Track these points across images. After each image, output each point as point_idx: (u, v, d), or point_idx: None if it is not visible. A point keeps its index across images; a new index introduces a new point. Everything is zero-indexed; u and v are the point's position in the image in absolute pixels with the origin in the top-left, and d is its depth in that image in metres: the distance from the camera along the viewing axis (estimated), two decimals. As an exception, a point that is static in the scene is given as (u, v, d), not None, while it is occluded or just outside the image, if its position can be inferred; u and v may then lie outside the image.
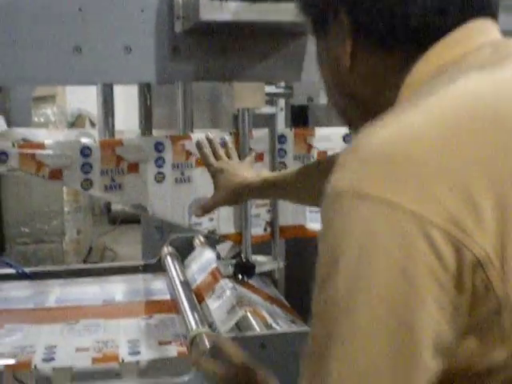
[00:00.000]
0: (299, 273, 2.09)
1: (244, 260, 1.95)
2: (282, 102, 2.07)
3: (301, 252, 2.21)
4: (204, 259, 2.18)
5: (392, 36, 0.76)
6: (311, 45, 1.55)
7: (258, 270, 2.01)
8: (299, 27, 1.45)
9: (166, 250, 2.32)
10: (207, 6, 1.28)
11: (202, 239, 2.32)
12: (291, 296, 2.15)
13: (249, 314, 1.69)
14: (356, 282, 0.62)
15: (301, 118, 2.20)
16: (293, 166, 2.00)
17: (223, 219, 1.96)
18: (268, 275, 2.16)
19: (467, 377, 0.67)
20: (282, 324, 1.79)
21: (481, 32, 0.76)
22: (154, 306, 1.97)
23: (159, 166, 1.82)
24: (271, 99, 1.99)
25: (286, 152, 2.02)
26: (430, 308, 0.61)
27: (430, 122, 0.66)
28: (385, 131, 0.66)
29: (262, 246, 2.04)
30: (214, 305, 1.86)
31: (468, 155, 0.63)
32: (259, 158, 1.98)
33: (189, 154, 1.86)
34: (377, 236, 0.61)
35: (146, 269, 2.32)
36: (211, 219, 1.94)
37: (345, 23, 0.78)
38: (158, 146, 1.82)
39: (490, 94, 0.68)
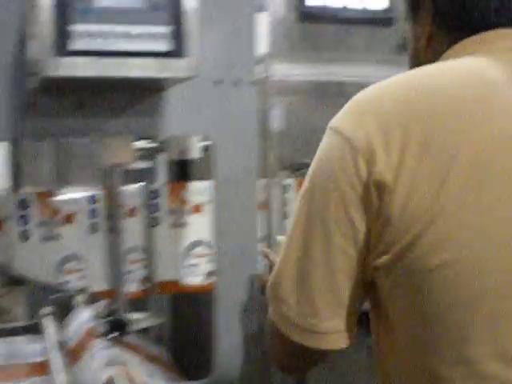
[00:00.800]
0: (188, 328, 2.07)
1: (118, 318, 1.91)
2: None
3: (189, 307, 2.18)
4: (81, 318, 2.11)
5: (459, 23, 0.95)
6: (169, 101, 1.57)
7: (134, 327, 1.97)
8: (154, 83, 1.46)
9: (45, 310, 2.24)
10: (52, 62, 1.27)
11: (81, 298, 2.26)
12: (180, 351, 2.12)
13: (116, 375, 1.65)
14: (307, 179, 0.91)
15: (183, 172, 2.19)
16: (167, 220, 2.00)
17: (95, 276, 1.92)
18: (156, 332, 2.13)
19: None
20: (157, 383, 1.75)
21: (504, 38, 0.94)
22: (28, 370, 1.89)
23: (24, 224, 1.78)
24: (149, 154, 1.98)
25: (159, 206, 2.01)
26: (343, 199, 0.85)
27: (393, 81, 0.90)
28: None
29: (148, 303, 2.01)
30: (85, 366, 1.80)
31: (394, 103, 0.86)
32: (132, 213, 1.96)
33: (56, 211, 1.82)
34: (327, 151, 0.89)
35: (25, 330, 2.23)
36: (83, 277, 1.90)
37: (428, 11, 0.97)
38: (22, 203, 1.78)
39: (446, 74, 0.89)
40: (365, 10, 2.06)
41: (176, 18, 1.32)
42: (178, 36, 1.32)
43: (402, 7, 1.92)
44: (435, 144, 0.82)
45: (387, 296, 0.87)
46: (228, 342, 1.68)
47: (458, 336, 0.82)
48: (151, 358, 1.97)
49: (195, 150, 2.02)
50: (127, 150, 1.84)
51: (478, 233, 0.81)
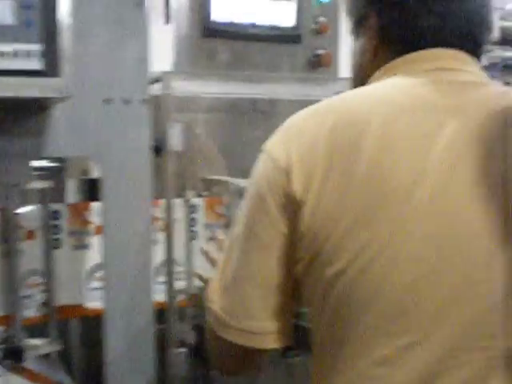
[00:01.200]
0: (93, 353, 1.99)
1: (13, 345, 1.83)
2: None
3: (94, 331, 2.11)
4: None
5: (401, 38, 1.02)
6: (55, 120, 1.51)
7: (33, 353, 1.89)
8: (34, 102, 1.40)
9: None
10: None
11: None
12: (87, 376, 2.05)
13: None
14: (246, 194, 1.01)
15: (85, 192, 2.13)
16: (68, 242, 1.93)
17: (-11, 301, 1.84)
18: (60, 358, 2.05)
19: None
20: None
21: (444, 58, 1.01)
22: None
23: None
24: (49, 173, 1.91)
25: (60, 228, 1.94)
26: (268, 206, 0.96)
27: (317, 107, 1.00)
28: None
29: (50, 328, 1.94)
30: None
31: (312, 129, 0.95)
32: (30, 235, 1.89)
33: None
34: (258, 169, 0.99)
35: None
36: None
37: (373, 26, 1.04)
38: None
39: (357, 100, 0.99)
40: (273, 27, 2.03)
41: (49, 35, 1.27)
42: (50, 54, 1.27)
43: (308, 24, 1.89)
44: (336, 169, 0.91)
45: (308, 300, 0.98)
46: (119, 367, 1.61)
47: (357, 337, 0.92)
48: (52, 385, 1.90)
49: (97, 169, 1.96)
50: (24, 170, 1.78)
51: (366, 245, 0.89)
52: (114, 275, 1.60)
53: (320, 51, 2.10)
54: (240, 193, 2.03)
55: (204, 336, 2.07)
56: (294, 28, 2.07)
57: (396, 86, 0.99)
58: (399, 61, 1.02)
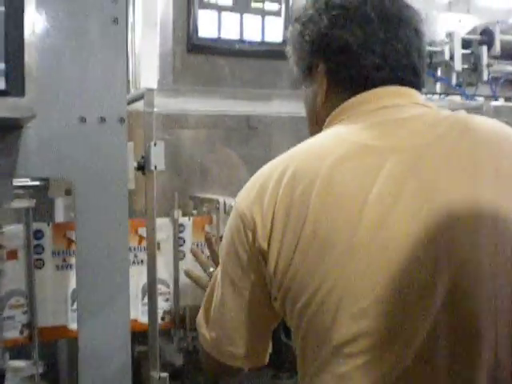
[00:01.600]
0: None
1: (-6, 367, 1.79)
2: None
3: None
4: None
5: (349, 79, 1.12)
6: (28, 139, 1.48)
7: (15, 375, 1.86)
8: (7, 121, 1.37)
9: None
10: None
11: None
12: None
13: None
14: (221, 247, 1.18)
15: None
16: (51, 262, 1.89)
17: (-32, 324, 1.81)
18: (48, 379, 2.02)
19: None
20: None
21: (386, 96, 1.11)
22: None
23: None
24: (31, 192, 1.89)
25: (43, 248, 1.90)
26: (240, 258, 1.11)
27: (279, 159, 1.11)
28: None
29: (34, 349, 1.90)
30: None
31: (272, 187, 1.06)
32: (12, 255, 1.86)
33: None
34: (229, 222, 1.13)
35: None
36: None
37: (320, 72, 1.15)
38: None
39: (308, 151, 1.09)
40: (261, 43, 2.00)
41: (13, 54, 1.24)
42: (14, 73, 1.23)
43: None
44: (292, 218, 1.03)
45: (289, 325, 1.11)
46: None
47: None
48: (37, 408, 1.86)
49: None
50: (4, 189, 1.75)
51: (322, 282, 1.01)
52: (88, 299, 1.56)
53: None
54: (229, 212, 2.00)
55: (189, 358, 2.05)
56: (282, 43, 2.04)
57: (338, 136, 1.08)
58: (346, 105, 1.12)
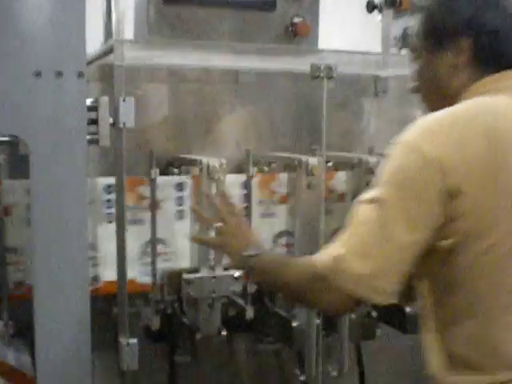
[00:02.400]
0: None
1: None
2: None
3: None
4: None
5: (493, 61, 1.27)
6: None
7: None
8: None
9: None
10: None
11: None
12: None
13: None
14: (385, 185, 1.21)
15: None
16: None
17: None
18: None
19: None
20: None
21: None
22: None
23: None
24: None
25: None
26: (424, 196, 1.18)
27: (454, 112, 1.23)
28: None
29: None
30: None
31: (463, 130, 1.19)
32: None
33: None
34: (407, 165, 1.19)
35: None
36: None
37: (466, 48, 1.27)
38: None
39: (491, 106, 1.24)
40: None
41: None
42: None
43: None
44: (493, 166, 1.17)
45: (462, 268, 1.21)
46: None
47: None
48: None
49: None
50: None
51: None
52: (43, 257, 1.49)
53: (297, 19, 1.94)
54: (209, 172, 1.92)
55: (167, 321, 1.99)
56: (267, -7, 1.92)
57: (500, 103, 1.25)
58: (488, 80, 1.27)
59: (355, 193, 2.02)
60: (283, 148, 2.22)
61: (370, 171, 2.09)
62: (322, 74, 1.87)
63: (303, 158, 2.00)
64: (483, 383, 1.24)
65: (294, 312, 2.09)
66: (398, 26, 3.13)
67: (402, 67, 2.51)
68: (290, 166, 2.07)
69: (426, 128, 1.20)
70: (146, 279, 1.94)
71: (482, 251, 1.19)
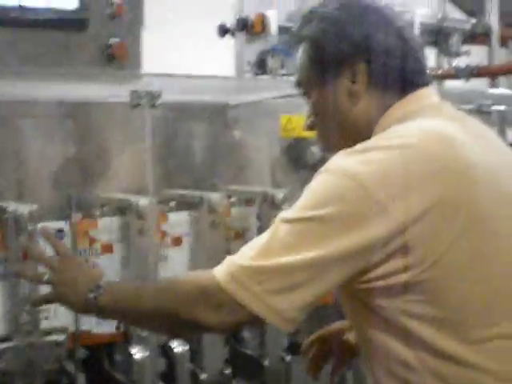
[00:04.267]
0: None
1: None
2: None
3: None
4: None
5: (393, 83, 1.21)
6: None
7: None
8: None
9: None
10: None
11: None
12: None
13: None
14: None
15: None
16: None
17: None
18: None
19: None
20: None
21: (428, 96, 1.23)
22: None
23: None
24: None
25: None
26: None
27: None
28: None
29: None
30: None
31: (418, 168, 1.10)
32: None
33: None
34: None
35: None
36: None
37: (361, 72, 1.20)
38: None
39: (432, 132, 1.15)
40: (49, 10, 1.60)
41: None
42: None
43: (98, 7, 1.44)
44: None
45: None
46: None
47: None
48: None
49: None
50: None
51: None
52: None
53: (113, 40, 1.68)
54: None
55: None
56: (77, 11, 1.65)
57: (443, 124, 1.17)
58: (404, 102, 1.20)
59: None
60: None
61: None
62: (142, 102, 1.62)
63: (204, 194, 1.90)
64: None
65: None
66: (251, 50, 2.98)
67: (256, 93, 2.36)
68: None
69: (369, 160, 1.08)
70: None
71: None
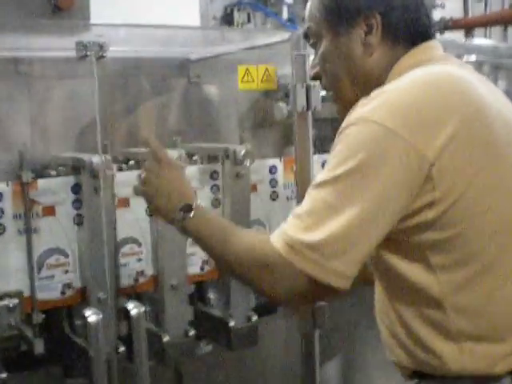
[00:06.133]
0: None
1: None
2: None
3: None
4: None
5: (406, 35, 1.25)
6: None
7: None
8: None
9: None
10: None
11: None
12: None
13: None
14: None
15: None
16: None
17: None
18: None
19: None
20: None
21: (436, 47, 1.29)
22: None
23: None
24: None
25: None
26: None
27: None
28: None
29: None
30: None
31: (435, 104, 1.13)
32: None
33: None
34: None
35: None
36: None
37: (376, 23, 1.24)
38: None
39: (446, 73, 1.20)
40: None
41: None
42: None
43: None
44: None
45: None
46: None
47: None
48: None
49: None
50: None
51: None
52: None
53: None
54: None
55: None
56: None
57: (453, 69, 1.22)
58: (416, 51, 1.24)
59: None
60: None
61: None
62: (89, 53, 1.53)
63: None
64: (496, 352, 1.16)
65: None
66: (217, 4, 2.86)
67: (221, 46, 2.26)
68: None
69: (393, 105, 1.11)
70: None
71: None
